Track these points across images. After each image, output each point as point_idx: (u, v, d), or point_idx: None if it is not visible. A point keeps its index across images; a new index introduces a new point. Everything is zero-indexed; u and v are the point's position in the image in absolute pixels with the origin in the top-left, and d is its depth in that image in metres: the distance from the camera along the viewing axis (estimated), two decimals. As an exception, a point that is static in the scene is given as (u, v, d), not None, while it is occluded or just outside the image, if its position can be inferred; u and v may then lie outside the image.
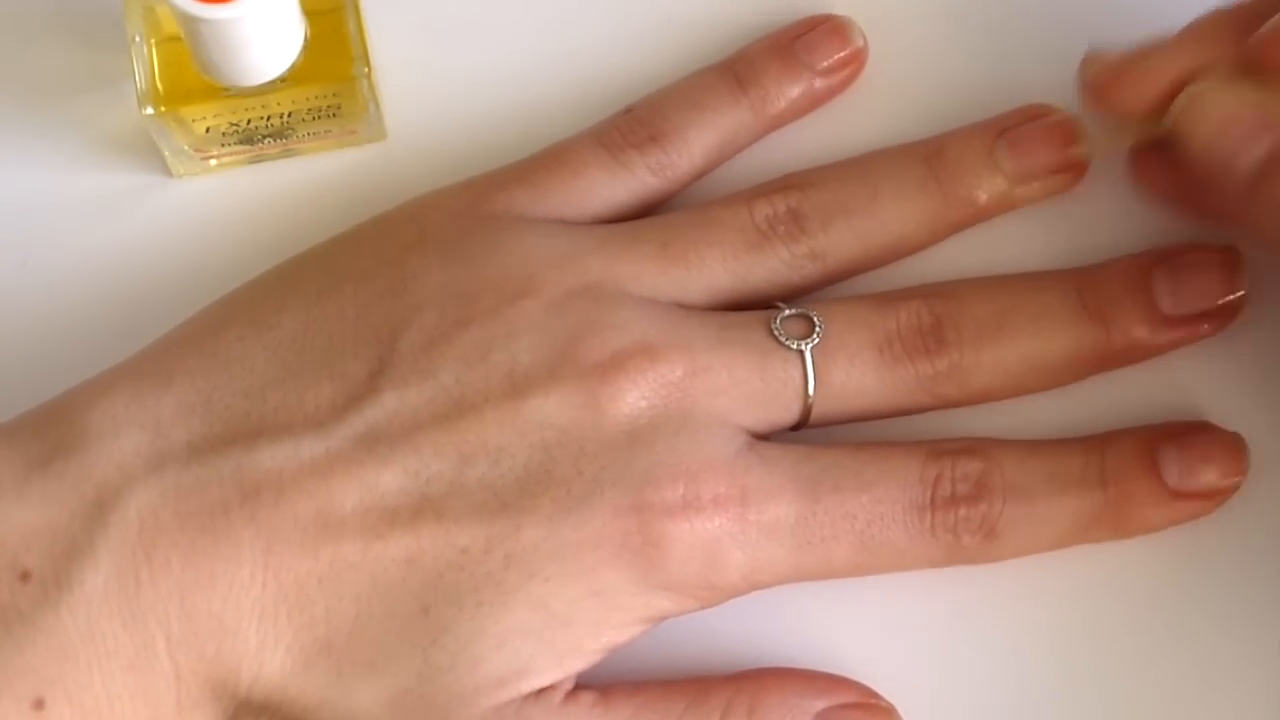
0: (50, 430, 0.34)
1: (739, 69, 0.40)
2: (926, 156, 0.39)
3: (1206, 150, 0.35)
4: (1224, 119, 0.35)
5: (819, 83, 0.40)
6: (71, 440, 0.34)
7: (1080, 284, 0.38)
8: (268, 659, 0.33)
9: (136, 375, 0.35)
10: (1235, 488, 0.37)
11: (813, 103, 0.40)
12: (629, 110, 0.40)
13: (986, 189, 0.39)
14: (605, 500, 0.34)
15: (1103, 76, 0.37)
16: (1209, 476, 0.37)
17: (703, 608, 0.35)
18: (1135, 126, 0.38)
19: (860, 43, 0.40)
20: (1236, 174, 0.35)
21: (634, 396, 0.35)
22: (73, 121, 0.40)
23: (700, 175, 0.40)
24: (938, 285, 0.38)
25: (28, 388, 0.38)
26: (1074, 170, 0.39)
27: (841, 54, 0.40)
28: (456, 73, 0.41)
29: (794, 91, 0.40)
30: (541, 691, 0.34)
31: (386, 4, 0.41)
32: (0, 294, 0.39)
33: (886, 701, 0.36)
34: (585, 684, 0.35)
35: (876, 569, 0.36)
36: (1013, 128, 0.39)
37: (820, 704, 0.35)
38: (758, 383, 0.36)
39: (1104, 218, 0.40)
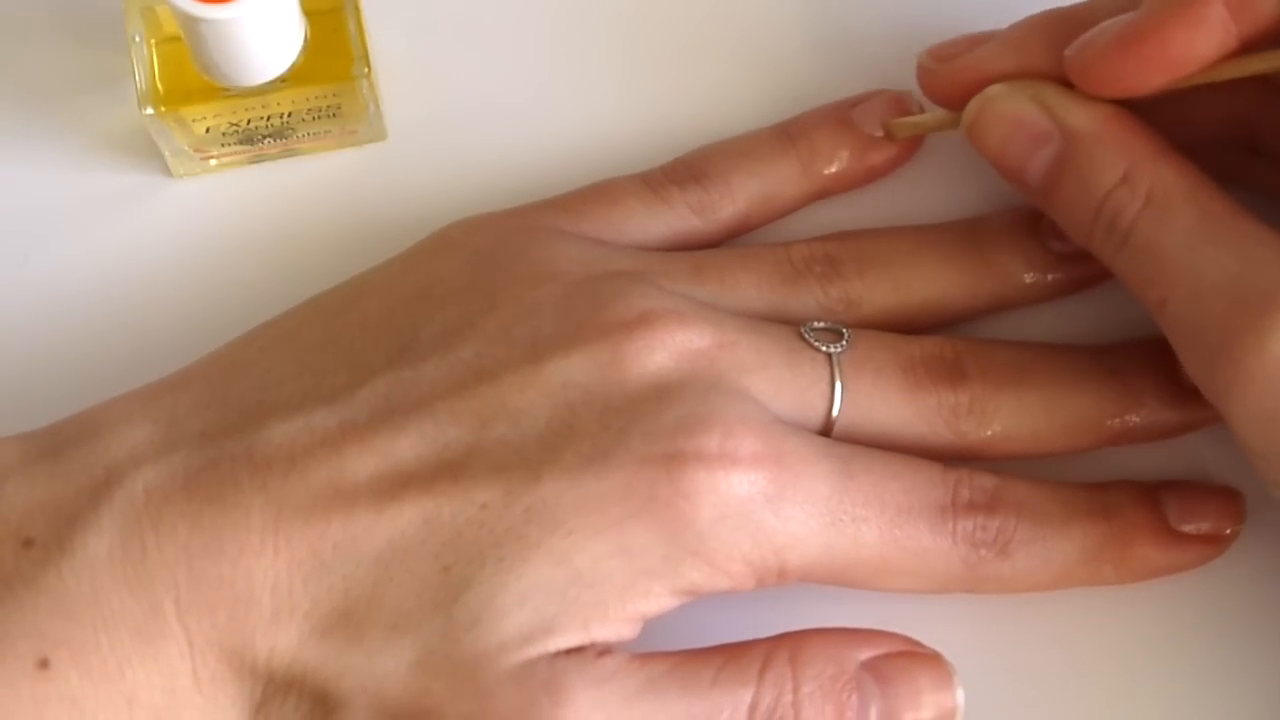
0: (64, 427, 0.34)
1: (791, 127, 0.40)
2: (972, 224, 0.39)
3: (997, 156, 0.36)
4: (1009, 127, 0.36)
5: (872, 150, 0.40)
6: (84, 432, 0.34)
7: (1103, 349, 0.38)
8: (284, 627, 0.32)
9: (156, 384, 0.35)
10: (1234, 536, 0.37)
11: (867, 172, 0.40)
12: (677, 159, 0.40)
13: (1028, 261, 0.38)
14: (632, 450, 0.33)
15: (927, 65, 0.38)
16: (1207, 518, 0.37)
17: (734, 589, 0.34)
18: (950, 118, 0.38)
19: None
20: (1026, 180, 0.36)
21: (661, 356, 0.34)
22: (73, 121, 0.40)
23: (745, 224, 0.39)
24: (962, 336, 0.38)
25: (28, 386, 0.38)
26: None
27: None
28: (456, 73, 0.41)
29: (845, 153, 0.39)
30: (573, 649, 0.32)
31: (386, 4, 0.41)
32: (1, 293, 0.39)
33: (931, 649, 0.35)
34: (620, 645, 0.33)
35: (899, 570, 0.35)
36: None
37: (864, 653, 0.34)
38: (785, 371, 0.35)
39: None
